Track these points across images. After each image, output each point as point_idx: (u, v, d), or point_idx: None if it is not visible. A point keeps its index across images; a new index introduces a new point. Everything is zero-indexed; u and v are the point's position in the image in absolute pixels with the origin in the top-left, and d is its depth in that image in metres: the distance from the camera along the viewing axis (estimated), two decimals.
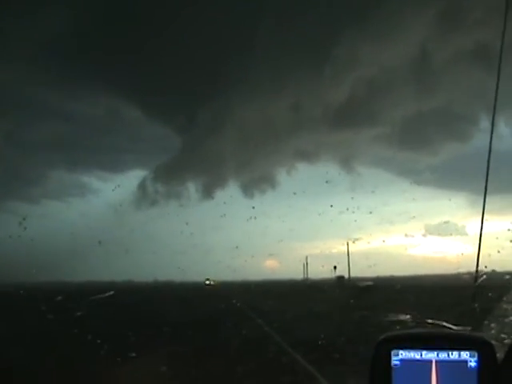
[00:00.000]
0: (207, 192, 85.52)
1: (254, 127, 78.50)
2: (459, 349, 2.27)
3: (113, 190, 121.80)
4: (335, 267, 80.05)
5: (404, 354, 2.30)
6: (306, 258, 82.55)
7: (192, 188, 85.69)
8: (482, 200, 4.08)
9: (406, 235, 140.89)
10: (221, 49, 71.10)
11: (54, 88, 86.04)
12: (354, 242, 73.93)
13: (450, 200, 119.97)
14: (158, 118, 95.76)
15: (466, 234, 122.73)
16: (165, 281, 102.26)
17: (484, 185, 4.04)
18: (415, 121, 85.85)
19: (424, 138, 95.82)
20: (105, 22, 71.56)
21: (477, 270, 4.24)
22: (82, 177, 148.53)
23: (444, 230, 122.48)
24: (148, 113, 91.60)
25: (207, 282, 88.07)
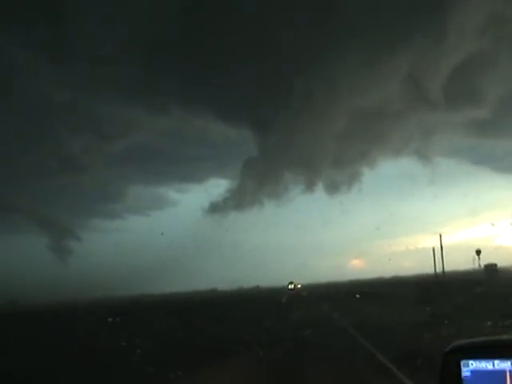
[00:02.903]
0: (287, 196, 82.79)
1: (338, 121, 73.63)
2: None
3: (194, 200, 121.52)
4: (479, 252, 65.31)
5: (475, 365, 2.15)
6: (433, 249, 69.43)
7: (271, 193, 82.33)
8: None
9: (492, 225, 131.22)
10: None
11: (126, 101, 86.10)
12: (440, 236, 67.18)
13: None
14: (232, 125, 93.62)
15: None
16: (250, 287, 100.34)
17: None
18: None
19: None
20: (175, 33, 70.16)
21: None
22: (160, 189, 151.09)
23: None
24: (222, 117, 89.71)
25: (290, 287, 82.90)
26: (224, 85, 75.05)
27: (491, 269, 64.16)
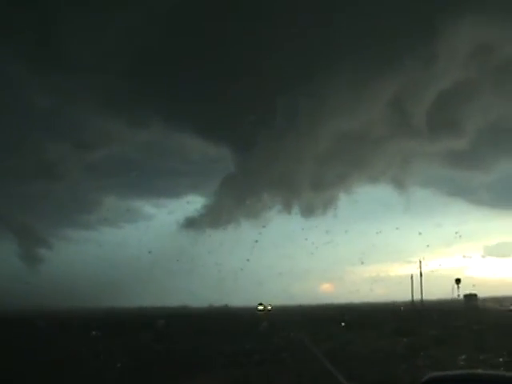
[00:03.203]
0: (261, 216, 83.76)
1: (317, 145, 75.14)
2: None
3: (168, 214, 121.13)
4: (458, 281, 64.01)
5: None
6: (412, 276, 70.02)
7: (246, 212, 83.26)
8: None
9: (463, 256, 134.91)
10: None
11: (106, 112, 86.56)
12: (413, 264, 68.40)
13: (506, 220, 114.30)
14: (212, 139, 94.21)
15: None
16: (220, 306, 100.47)
17: None
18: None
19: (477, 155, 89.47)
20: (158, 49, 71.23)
21: None
22: (135, 203, 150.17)
23: (502, 250, 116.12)
24: (201, 134, 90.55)
25: (260, 308, 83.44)
26: (206, 101, 76.30)
27: (471, 299, 64.35)
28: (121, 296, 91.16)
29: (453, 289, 66.38)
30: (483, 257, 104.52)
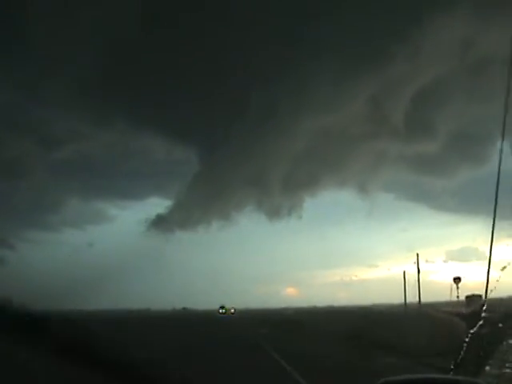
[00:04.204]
0: (227, 218, 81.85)
1: (282, 148, 73.32)
2: None
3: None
4: (458, 280, 55.39)
5: None
6: (404, 273, 65.20)
7: (212, 214, 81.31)
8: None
9: (426, 261, 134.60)
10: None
11: (68, 111, 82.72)
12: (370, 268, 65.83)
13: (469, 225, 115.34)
14: (177, 141, 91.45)
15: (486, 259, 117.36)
16: (188, 309, 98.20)
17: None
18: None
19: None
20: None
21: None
22: (98, 204, 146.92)
23: (464, 255, 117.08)
24: (167, 134, 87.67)
25: (221, 311, 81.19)
26: (172, 101, 73.63)
27: (474, 301, 52.29)
28: (82, 298, 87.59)
29: (451, 289, 61.55)
30: (445, 262, 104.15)
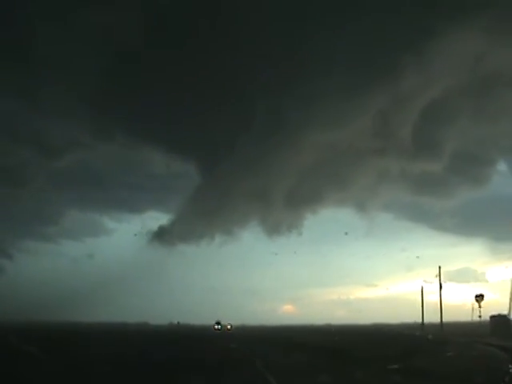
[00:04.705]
0: (228, 234, 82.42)
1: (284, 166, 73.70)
2: None
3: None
4: (480, 298, 49.35)
5: None
6: (422, 288, 59.90)
7: (212, 230, 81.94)
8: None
9: (424, 281, 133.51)
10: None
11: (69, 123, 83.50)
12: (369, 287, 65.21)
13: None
14: (176, 155, 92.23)
15: (486, 281, 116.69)
16: (181, 324, 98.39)
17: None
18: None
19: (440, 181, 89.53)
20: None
21: None
22: (97, 216, 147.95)
23: (463, 276, 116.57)
24: (167, 148, 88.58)
25: (217, 327, 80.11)
26: (172, 115, 74.76)
27: (501, 321, 45.16)
28: (79, 310, 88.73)
29: (472, 308, 52.68)
30: (444, 282, 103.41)
